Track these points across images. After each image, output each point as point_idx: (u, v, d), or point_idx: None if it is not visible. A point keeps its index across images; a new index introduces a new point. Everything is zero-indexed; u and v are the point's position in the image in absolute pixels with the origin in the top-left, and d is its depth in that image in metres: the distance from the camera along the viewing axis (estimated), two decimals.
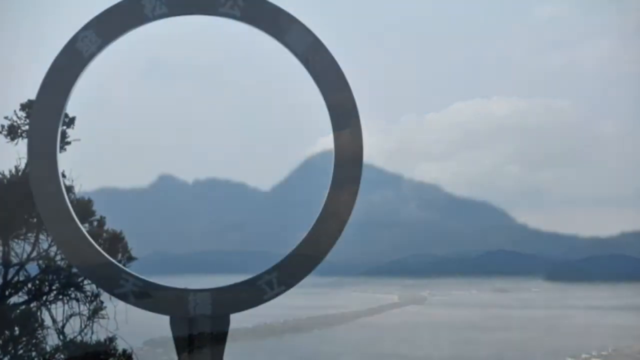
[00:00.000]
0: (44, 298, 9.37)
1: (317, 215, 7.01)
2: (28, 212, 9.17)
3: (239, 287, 6.99)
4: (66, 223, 6.88)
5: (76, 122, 9.55)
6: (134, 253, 9.64)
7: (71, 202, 7.47)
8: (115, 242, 9.51)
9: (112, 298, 7.54)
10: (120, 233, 9.63)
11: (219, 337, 6.91)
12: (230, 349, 7.06)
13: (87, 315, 9.44)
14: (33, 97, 7.11)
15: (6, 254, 9.22)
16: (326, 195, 7.02)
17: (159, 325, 7.46)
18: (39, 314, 9.31)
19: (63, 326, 9.38)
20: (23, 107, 9.35)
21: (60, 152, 7.11)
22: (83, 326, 9.41)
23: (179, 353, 6.91)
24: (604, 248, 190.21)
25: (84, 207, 9.48)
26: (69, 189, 9.30)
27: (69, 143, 9.45)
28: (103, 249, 7.45)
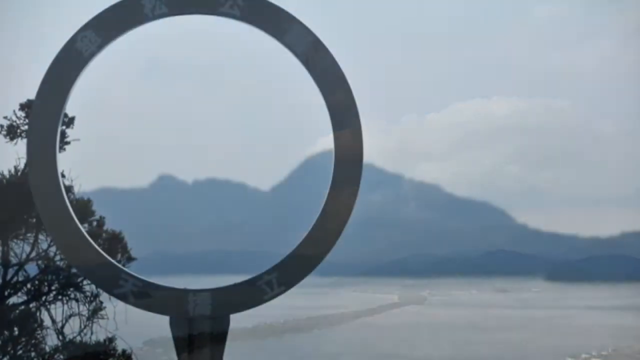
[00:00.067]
0: (44, 298, 9.36)
1: (317, 215, 7.00)
2: (27, 212, 9.17)
3: (239, 288, 6.98)
4: (65, 223, 6.86)
5: (76, 122, 9.54)
6: (133, 253, 9.63)
7: (70, 202, 7.46)
8: (115, 242, 9.50)
9: (112, 298, 7.54)
10: (120, 233, 9.62)
11: (219, 338, 6.90)
12: (230, 349, 7.05)
13: (87, 315, 9.42)
14: (32, 96, 7.10)
15: (5, 254, 9.20)
16: (326, 195, 7.01)
17: (159, 325, 7.45)
18: (38, 314, 9.30)
19: (62, 326, 9.36)
20: (22, 107, 9.34)
21: (59, 152, 7.09)
22: (82, 326, 9.39)
23: (178, 353, 6.90)
24: (604, 248, 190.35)
25: (84, 207, 9.47)
26: (69, 189, 9.29)
27: (68, 143, 9.43)
28: (102, 249, 7.43)
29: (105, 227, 9.64)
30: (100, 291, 8.93)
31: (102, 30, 6.94)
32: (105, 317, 9.38)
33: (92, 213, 9.63)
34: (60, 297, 9.38)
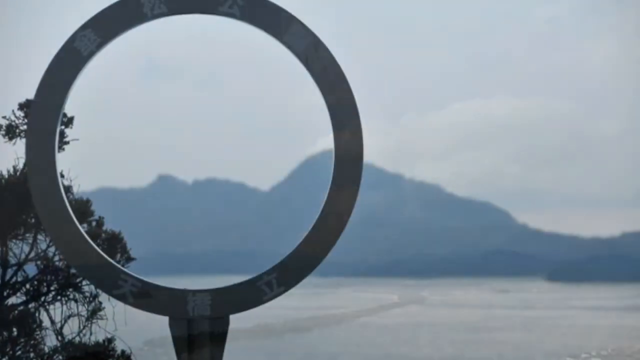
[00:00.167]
0: (42, 299, 9.35)
1: (317, 215, 6.99)
2: (26, 212, 9.15)
3: (239, 288, 6.98)
4: (65, 223, 6.86)
5: (75, 121, 9.52)
6: (133, 253, 9.61)
7: (70, 202, 7.45)
8: (114, 243, 9.48)
9: (111, 299, 7.53)
10: (119, 233, 9.60)
11: (219, 338, 6.91)
12: (229, 349, 7.05)
13: (86, 316, 9.41)
14: (31, 96, 7.09)
15: (4, 255, 9.19)
16: (326, 195, 7.00)
17: (158, 326, 7.44)
18: (37, 314, 9.28)
19: (61, 327, 9.35)
20: (21, 106, 9.31)
21: (58, 151, 7.09)
22: (82, 327, 9.38)
23: (178, 354, 6.90)
24: (605, 248, 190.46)
25: (83, 207, 9.45)
26: (68, 189, 9.28)
27: (67, 143, 9.41)
28: (102, 250, 7.43)
29: (104, 227, 9.63)
30: (100, 292, 8.91)
31: (101, 30, 6.94)
32: (105, 317, 9.37)
33: (92, 213, 9.62)
34: (59, 297, 9.37)
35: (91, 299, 9.39)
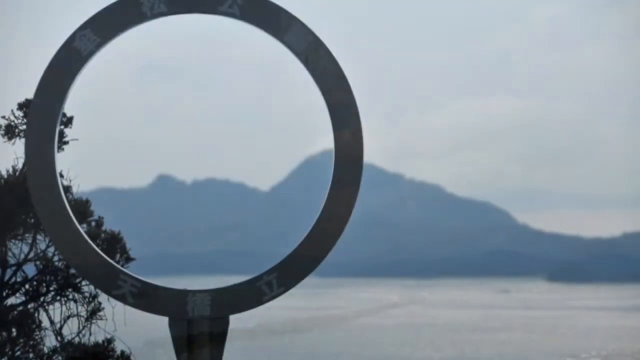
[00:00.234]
0: (42, 299, 9.32)
1: (317, 215, 6.98)
2: (25, 212, 9.13)
3: (239, 288, 6.96)
4: (64, 223, 6.85)
5: (74, 121, 9.49)
6: (132, 253, 9.58)
7: (69, 202, 7.43)
8: (114, 243, 9.46)
9: (110, 299, 7.51)
10: (119, 233, 9.57)
11: (218, 338, 6.90)
12: (229, 349, 7.04)
13: (85, 316, 9.39)
14: (31, 96, 7.07)
15: (3, 255, 9.17)
16: (326, 195, 6.99)
17: (158, 326, 7.43)
18: (36, 315, 9.27)
19: (61, 327, 9.33)
20: (20, 106, 9.28)
21: (58, 151, 7.08)
22: (81, 327, 9.37)
23: (177, 354, 6.89)
24: (605, 248, 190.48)
25: (82, 207, 9.43)
26: (67, 189, 9.25)
27: (66, 143, 9.39)
28: (101, 250, 7.42)
29: (104, 228, 9.60)
30: (99, 292, 8.90)
31: (100, 29, 6.93)
32: (104, 318, 9.36)
33: (91, 213, 9.59)
34: (58, 297, 9.35)
35: (91, 299, 9.36)
